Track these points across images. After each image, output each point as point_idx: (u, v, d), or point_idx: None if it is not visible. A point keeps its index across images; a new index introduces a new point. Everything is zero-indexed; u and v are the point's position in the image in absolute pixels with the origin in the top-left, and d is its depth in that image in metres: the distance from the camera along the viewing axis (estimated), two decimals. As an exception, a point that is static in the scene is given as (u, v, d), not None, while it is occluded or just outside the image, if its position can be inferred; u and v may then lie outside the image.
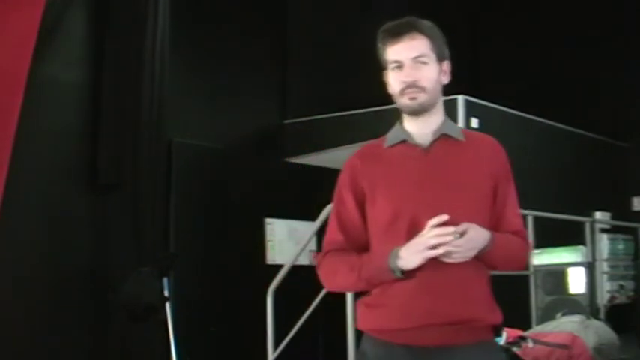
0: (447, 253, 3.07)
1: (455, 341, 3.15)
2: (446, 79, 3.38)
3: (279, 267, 7.59)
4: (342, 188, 3.38)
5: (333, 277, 3.35)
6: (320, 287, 7.14)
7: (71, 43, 7.88)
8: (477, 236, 3.10)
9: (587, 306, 9.29)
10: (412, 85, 3.26)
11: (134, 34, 7.93)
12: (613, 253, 11.61)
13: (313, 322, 7.20)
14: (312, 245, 9.56)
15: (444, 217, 3.07)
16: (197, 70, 9.43)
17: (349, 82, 10.86)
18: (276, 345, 7.22)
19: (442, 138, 3.32)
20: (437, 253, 3.05)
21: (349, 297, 6.65)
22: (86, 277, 7.72)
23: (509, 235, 3.28)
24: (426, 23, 3.35)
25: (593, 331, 7.13)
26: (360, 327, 3.33)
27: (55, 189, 7.61)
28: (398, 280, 3.14)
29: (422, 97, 3.27)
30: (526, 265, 3.54)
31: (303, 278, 8.21)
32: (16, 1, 6.96)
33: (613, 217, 11.89)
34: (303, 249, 7.72)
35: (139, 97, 7.86)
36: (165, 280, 7.64)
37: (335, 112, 10.06)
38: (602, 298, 11.01)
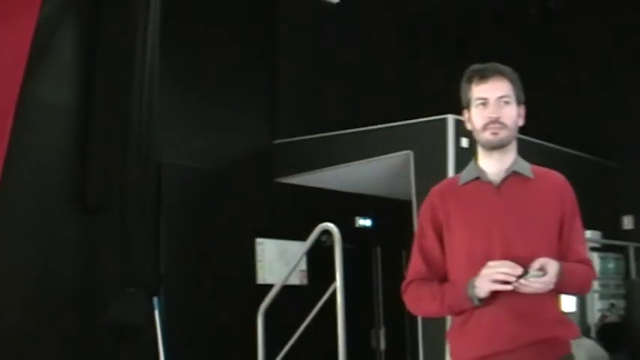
0: (524, 286, 3.31)
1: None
2: (521, 122, 3.62)
3: (269, 287, 7.58)
4: (424, 223, 3.64)
5: (418, 304, 3.64)
6: (310, 307, 7.15)
7: (60, 64, 7.87)
8: (555, 270, 3.34)
9: (578, 325, 9.29)
10: (496, 122, 3.50)
11: (123, 56, 7.93)
12: (604, 272, 11.62)
13: (304, 342, 7.18)
14: (303, 265, 9.56)
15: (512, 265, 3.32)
16: (187, 91, 9.43)
17: (339, 102, 10.88)
18: (267, 365, 7.20)
19: (513, 175, 3.57)
20: (505, 288, 3.32)
21: (340, 316, 6.63)
22: (74, 298, 7.69)
23: (575, 263, 3.51)
24: (509, 69, 3.61)
25: (584, 351, 7.14)
26: (452, 358, 3.60)
27: (44, 210, 7.59)
28: (478, 307, 3.41)
29: (503, 134, 3.52)
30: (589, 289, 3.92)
31: (293, 298, 8.23)
32: (7, 24, 6.96)
33: (603, 236, 11.90)
34: (293, 269, 7.71)
35: (128, 119, 7.84)
36: (155, 300, 7.63)
37: (325, 132, 10.07)
38: (593, 317, 11.02)
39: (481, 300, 3.37)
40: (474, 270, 3.38)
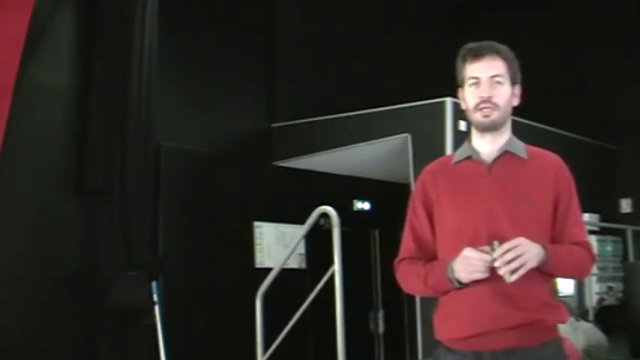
0: (508, 277, 3.24)
1: (521, 343, 3.35)
2: (516, 102, 3.58)
3: (268, 270, 7.58)
4: (415, 201, 3.62)
5: (406, 283, 3.64)
6: (309, 290, 7.15)
7: (59, 47, 7.85)
8: (527, 249, 3.26)
9: (576, 308, 9.30)
10: (487, 101, 3.46)
11: (122, 38, 7.91)
12: (602, 254, 11.64)
13: (302, 326, 7.18)
14: (301, 248, 9.57)
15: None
16: (185, 74, 9.41)
17: (337, 85, 10.87)
18: (265, 348, 7.20)
19: (506, 155, 3.53)
20: (482, 276, 3.28)
21: (338, 299, 6.63)
22: (74, 282, 7.69)
23: (569, 245, 3.45)
24: (505, 48, 3.56)
25: (582, 333, 7.13)
26: (437, 338, 3.57)
27: (44, 193, 7.59)
28: (462, 288, 3.37)
29: (494, 115, 3.47)
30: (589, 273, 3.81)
31: (292, 281, 8.24)
32: (4, 6, 6.94)
33: (601, 219, 11.90)
34: (292, 252, 7.71)
35: (127, 101, 7.84)
36: (154, 284, 7.63)
37: (323, 115, 10.06)
38: (591, 300, 11.04)
39: (461, 283, 3.34)
40: (460, 250, 3.33)
